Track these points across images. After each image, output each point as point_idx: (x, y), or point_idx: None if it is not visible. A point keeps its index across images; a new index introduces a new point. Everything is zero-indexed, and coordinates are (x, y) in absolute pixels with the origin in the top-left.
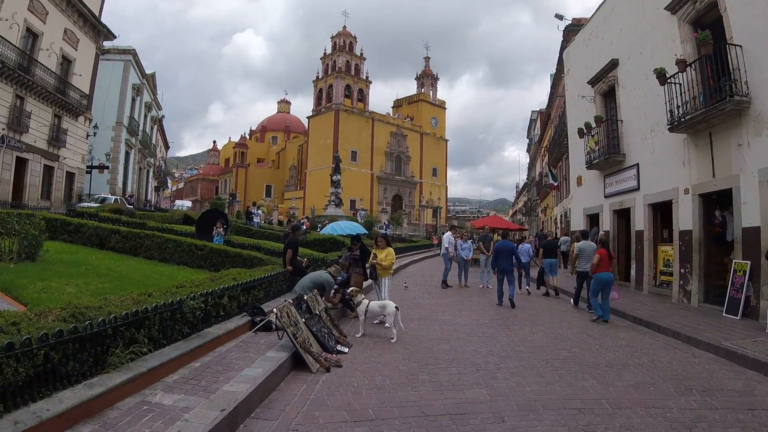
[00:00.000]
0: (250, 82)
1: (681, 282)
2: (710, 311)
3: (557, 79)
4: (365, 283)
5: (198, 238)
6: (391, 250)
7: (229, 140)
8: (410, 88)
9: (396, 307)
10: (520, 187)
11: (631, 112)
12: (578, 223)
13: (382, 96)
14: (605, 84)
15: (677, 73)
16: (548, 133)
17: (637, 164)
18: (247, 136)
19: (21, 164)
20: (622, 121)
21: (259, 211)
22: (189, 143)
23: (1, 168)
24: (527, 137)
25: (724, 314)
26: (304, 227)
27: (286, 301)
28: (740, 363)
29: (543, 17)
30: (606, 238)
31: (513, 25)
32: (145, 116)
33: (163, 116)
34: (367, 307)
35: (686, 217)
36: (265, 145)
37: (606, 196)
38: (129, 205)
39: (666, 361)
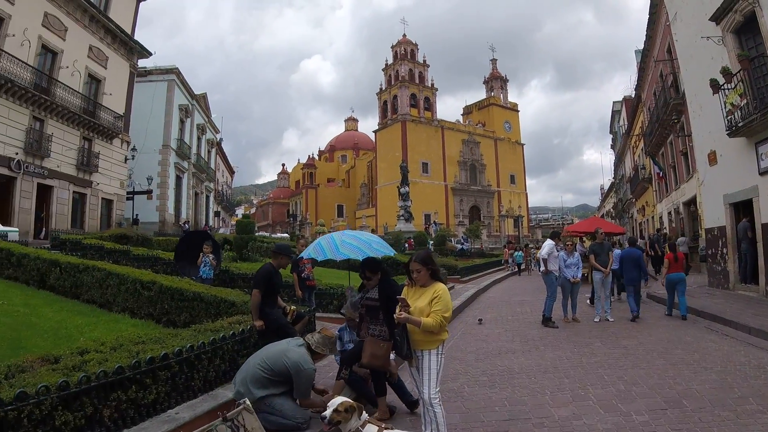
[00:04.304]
0: (321, 106)
1: None
2: None
3: (648, 48)
4: (392, 359)
5: (178, 271)
6: (441, 288)
7: (298, 162)
8: (479, 98)
9: None
10: (606, 188)
11: None
12: (717, 217)
13: (451, 109)
14: (739, 13)
15: None
16: (639, 119)
17: None
18: (316, 157)
19: (45, 192)
20: None
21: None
22: (267, 171)
23: (19, 196)
24: (610, 132)
25: None
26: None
27: None
28: None
29: (605, 13)
30: (673, 242)
31: (576, 24)
32: (199, 139)
33: (221, 139)
34: None
35: None
36: (335, 165)
37: (763, 173)
38: (183, 231)
39: None
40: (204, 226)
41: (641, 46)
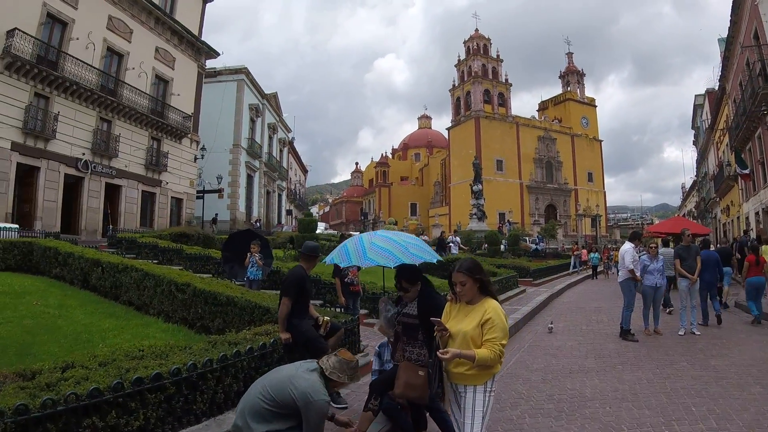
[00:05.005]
0: (395, 105)
1: None
2: None
3: (733, 35)
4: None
5: (226, 271)
6: (493, 307)
7: (371, 161)
8: (555, 93)
9: None
10: (687, 187)
11: None
12: None
13: (527, 105)
14: None
15: None
16: (723, 113)
17: None
18: (389, 155)
19: (114, 191)
20: None
21: (457, 238)
22: (343, 169)
23: (87, 195)
24: (692, 128)
25: None
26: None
27: None
28: None
29: (684, 4)
30: (755, 244)
31: (654, 17)
32: (270, 138)
33: (293, 138)
34: None
35: None
36: (408, 163)
37: None
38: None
39: None
40: (276, 224)
41: (724, 34)
